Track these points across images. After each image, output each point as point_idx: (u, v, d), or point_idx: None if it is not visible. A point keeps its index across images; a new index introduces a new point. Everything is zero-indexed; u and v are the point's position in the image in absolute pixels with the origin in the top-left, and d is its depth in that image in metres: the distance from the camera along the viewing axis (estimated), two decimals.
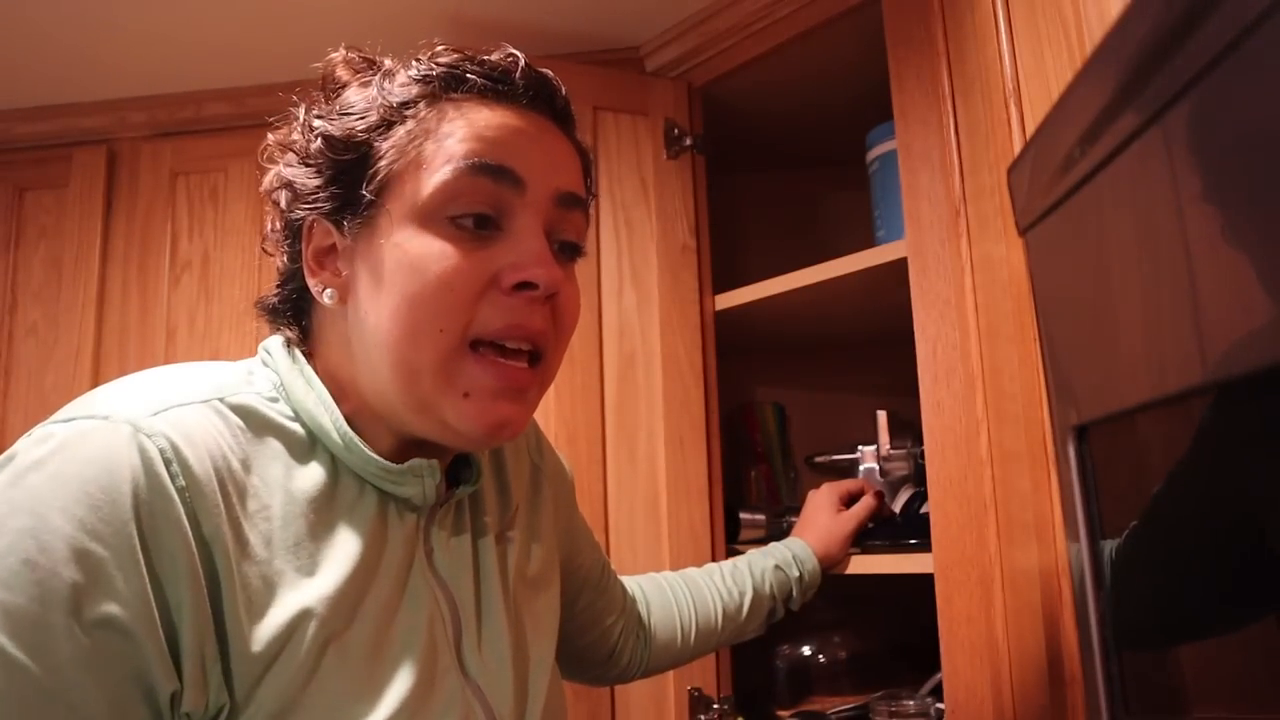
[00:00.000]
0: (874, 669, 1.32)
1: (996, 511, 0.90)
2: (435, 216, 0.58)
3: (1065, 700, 0.81)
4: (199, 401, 0.56)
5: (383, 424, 0.62)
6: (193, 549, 0.51)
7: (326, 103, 0.64)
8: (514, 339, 0.60)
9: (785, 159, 1.65)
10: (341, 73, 0.66)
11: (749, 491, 1.58)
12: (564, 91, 0.66)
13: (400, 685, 0.57)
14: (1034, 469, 0.86)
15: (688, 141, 1.34)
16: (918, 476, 1.32)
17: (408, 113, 0.60)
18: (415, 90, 0.61)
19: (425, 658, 0.59)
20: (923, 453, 1.03)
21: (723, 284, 1.34)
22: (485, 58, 0.62)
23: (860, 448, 1.45)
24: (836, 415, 1.62)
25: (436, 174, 0.58)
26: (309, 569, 0.56)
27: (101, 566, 0.48)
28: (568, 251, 0.66)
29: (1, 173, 1.56)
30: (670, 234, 1.32)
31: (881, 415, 1.33)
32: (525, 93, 0.62)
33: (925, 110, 1.02)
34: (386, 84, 0.62)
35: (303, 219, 0.63)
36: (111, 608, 0.48)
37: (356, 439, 0.60)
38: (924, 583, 0.98)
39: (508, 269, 0.59)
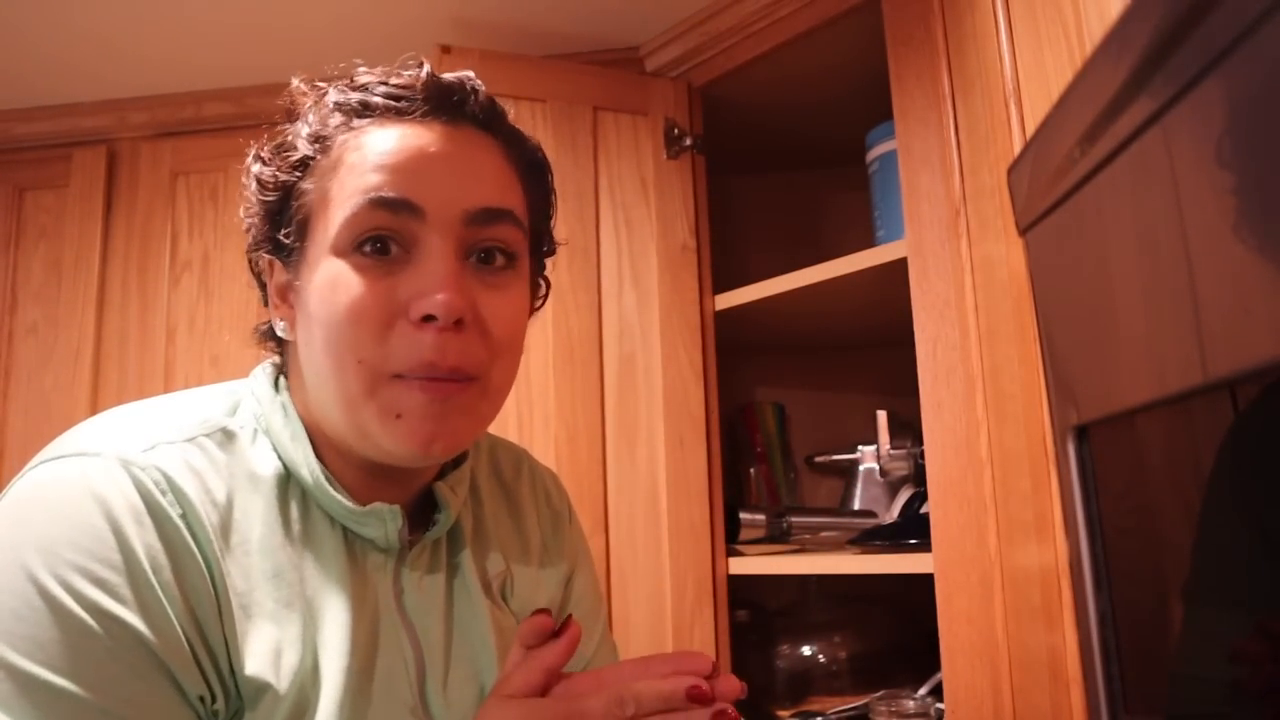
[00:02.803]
0: (874, 669, 1.32)
1: (996, 511, 0.90)
2: (344, 250, 0.58)
3: (1065, 700, 0.81)
4: (183, 440, 0.57)
5: (344, 455, 0.62)
6: (202, 569, 0.53)
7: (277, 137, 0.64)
8: (430, 375, 0.57)
9: (785, 159, 1.65)
10: (298, 102, 0.65)
11: (749, 491, 1.58)
12: (482, 93, 0.63)
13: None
14: (1034, 469, 0.86)
15: (688, 141, 1.34)
16: (918, 476, 1.32)
17: (321, 147, 0.60)
18: (332, 121, 0.60)
19: (389, 701, 0.60)
20: (923, 453, 1.03)
21: (723, 284, 1.34)
22: (391, 79, 0.61)
23: (860, 448, 1.46)
24: (836, 415, 1.62)
25: (340, 210, 0.58)
26: (286, 603, 0.57)
27: (116, 589, 0.49)
28: (491, 260, 0.61)
29: (1, 173, 1.55)
30: (670, 234, 1.32)
31: (881, 415, 1.33)
32: (427, 105, 0.60)
33: (925, 110, 1.02)
34: (311, 117, 0.61)
35: (258, 259, 0.64)
36: (134, 622, 0.49)
37: (324, 478, 0.60)
38: (924, 583, 0.98)
39: (413, 299, 0.57)
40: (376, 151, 0.58)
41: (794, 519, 1.33)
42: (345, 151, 0.59)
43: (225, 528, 0.56)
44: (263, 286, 0.66)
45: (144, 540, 0.51)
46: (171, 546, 0.52)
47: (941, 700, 0.98)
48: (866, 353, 1.57)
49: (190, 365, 1.44)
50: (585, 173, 1.31)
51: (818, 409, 1.64)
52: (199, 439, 0.58)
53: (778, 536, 1.32)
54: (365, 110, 0.60)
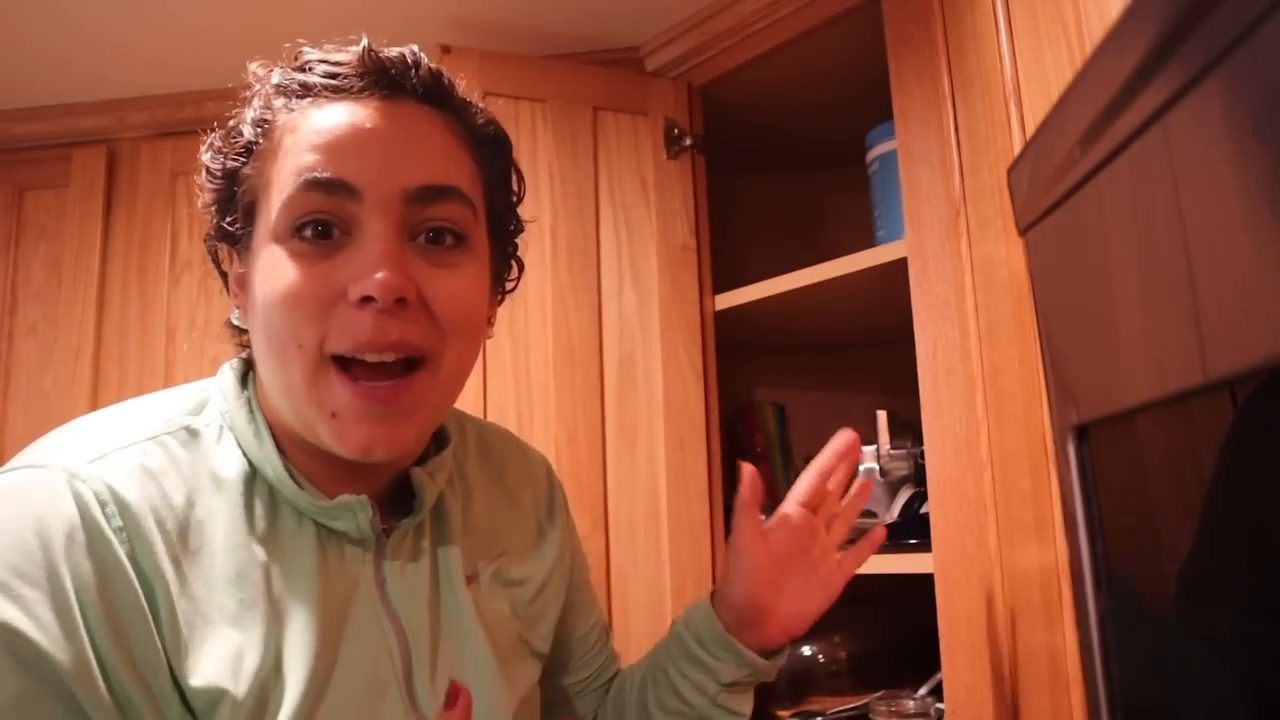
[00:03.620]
0: (874, 669, 1.32)
1: (996, 511, 0.90)
2: (284, 234, 0.56)
3: (1065, 700, 0.81)
4: (143, 439, 0.56)
5: (308, 447, 0.60)
6: (135, 586, 0.51)
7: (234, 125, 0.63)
8: (369, 354, 0.56)
9: (785, 159, 1.65)
10: (251, 86, 0.63)
11: None
12: (425, 66, 0.61)
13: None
14: (1034, 469, 0.86)
15: (688, 141, 1.34)
16: (918, 476, 1.32)
17: (262, 130, 0.58)
18: (274, 104, 0.59)
19: (368, 695, 0.59)
20: (923, 453, 1.03)
21: (723, 284, 1.34)
22: (331, 55, 0.60)
23: (860, 448, 1.45)
24: (836, 415, 1.62)
25: (279, 194, 0.56)
26: (246, 605, 0.55)
27: (33, 607, 0.48)
28: (440, 240, 0.59)
29: (1, 173, 1.56)
30: (670, 234, 1.32)
31: (881, 415, 1.33)
32: (366, 82, 0.58)
33: (925, 110, 1.02)
34: (256, 102, 0.60)
35: (214, 247, 0.64)
36: (44, 645, 0.48)
37: (287, 474, 0.59)
38: (924, 583, 0.98)
39: (351, 281, 0.55)
40: (313, 131, 0.56)
41: None
42: (285, 134, 0.57)
43: (184, 531, 0.55)
44: (224, 276, 0.65)
45: (72, 559, 0.50)
46: (102, 565, 0.50)
47: (941, 700, 0.98)
48: (866, 353, 1.57)
49: (190, 365, 1.45)
50: (585, 173, 1.31)
51: (818, 409, 1.64)
52: (161, 437, 0.57)
53: None
54: (304, 90, 0.58)
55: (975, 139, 0.95)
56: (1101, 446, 0.51)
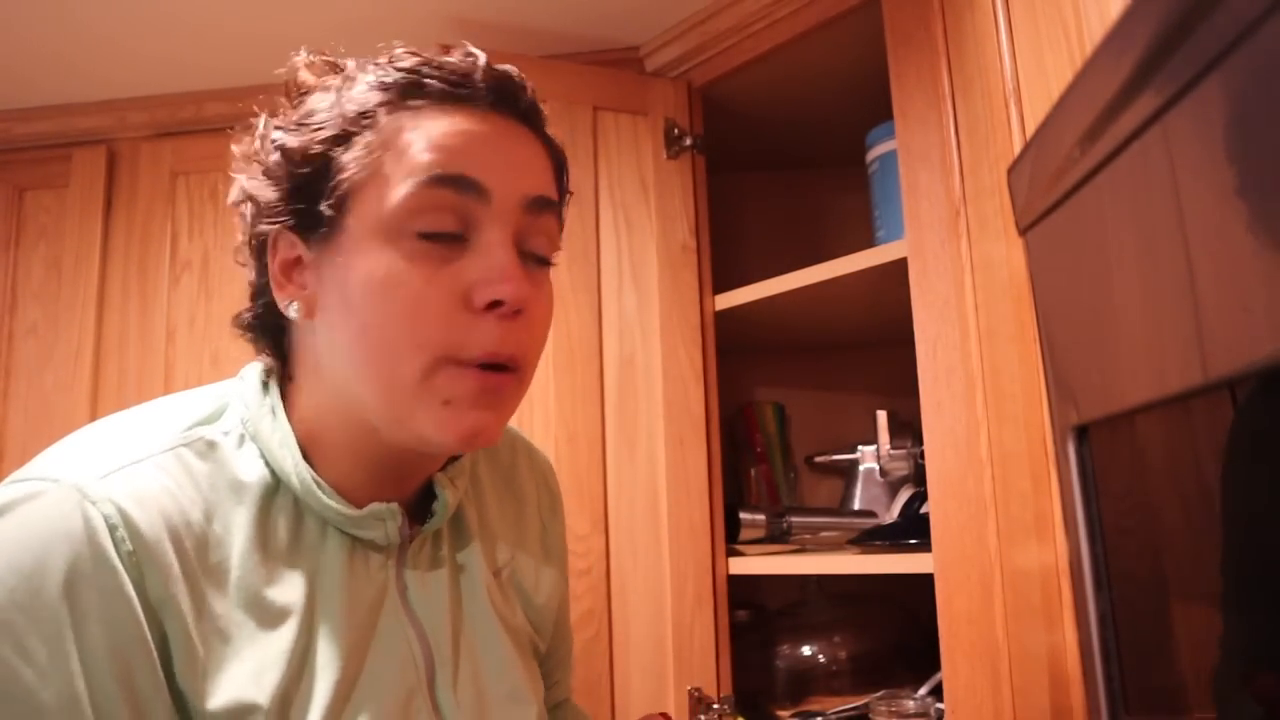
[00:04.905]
0: (874, 669, 1.32)
1: (996, 511, 0.90)
2: (400, 232, 0.56)
3: (1065, 700, 0.81)
4: (160, 452, 0.55)
5: (351, 453, 0.60)
6: (139, 616, 0.50)
7: (291, 110, 0.61)
8: (490, 362, 0.57)
9: (785, 159, 1.65)
10: (305, 77, 0.62)
11: (749, 491, 1.58)
12: (530, 88, 0.62)
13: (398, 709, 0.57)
14: (1034, 469, 0.86)
15: (688, 141, 1.34)
16: (918, 476, 1.32)
17: (366, 123, 0.57)
18: (374, 98, 0.57)
19: (393, 702, 0.58)
20: (923, 453, 1.03)
21: (723, 284, 1.34)
22: (443, 60, 0.59)
23: (860, 448, 1.45)
24: (836, 415, 1.62)
25: (398, 188, 0.55)
26: (270, 619, 0.55)
27: (22, 637, 0.47)
28: (536, 262, 0.61)
29: (1, 173, 1.55)
30: (670, 234, 1.32)
31: (881, 415, 1.33)
32: (486, 95, 0.59)
33: (925, 110, 1.02)
34: (346, 92, 0.58)
35: (267, 232, 0.60)
36: (31, 680, 0.47)
37: (314, 484, 0.58)
38: (924, 583, 0.98)
39: (478, 285, 0.56)
40: (440, 132, 0.56)
41: (794, 519, 1.33)
42: (399, 131, 0.56)
43: (202, 549, 0.54)
44: (260, 263, 0.61)
45: (72, 590, 0.48)
46: (105, 596, 0.49)
47: (941, 700, 0.98)
48: (866, 353, 1.57)
49: (190, 365, 1.44)
50: (585, 173, 1.31)
51: (818, 409, 1.64)
52: (178, 449, 0.56)
53: (778, 536, 1.32)
54: (419, 91, 0.58)
55: (975, 139, 0.95)
56: (1101, 446, 0.51)
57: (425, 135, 0.56)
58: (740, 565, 1.27)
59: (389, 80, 0.58)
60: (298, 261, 0.59)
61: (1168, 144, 0.37)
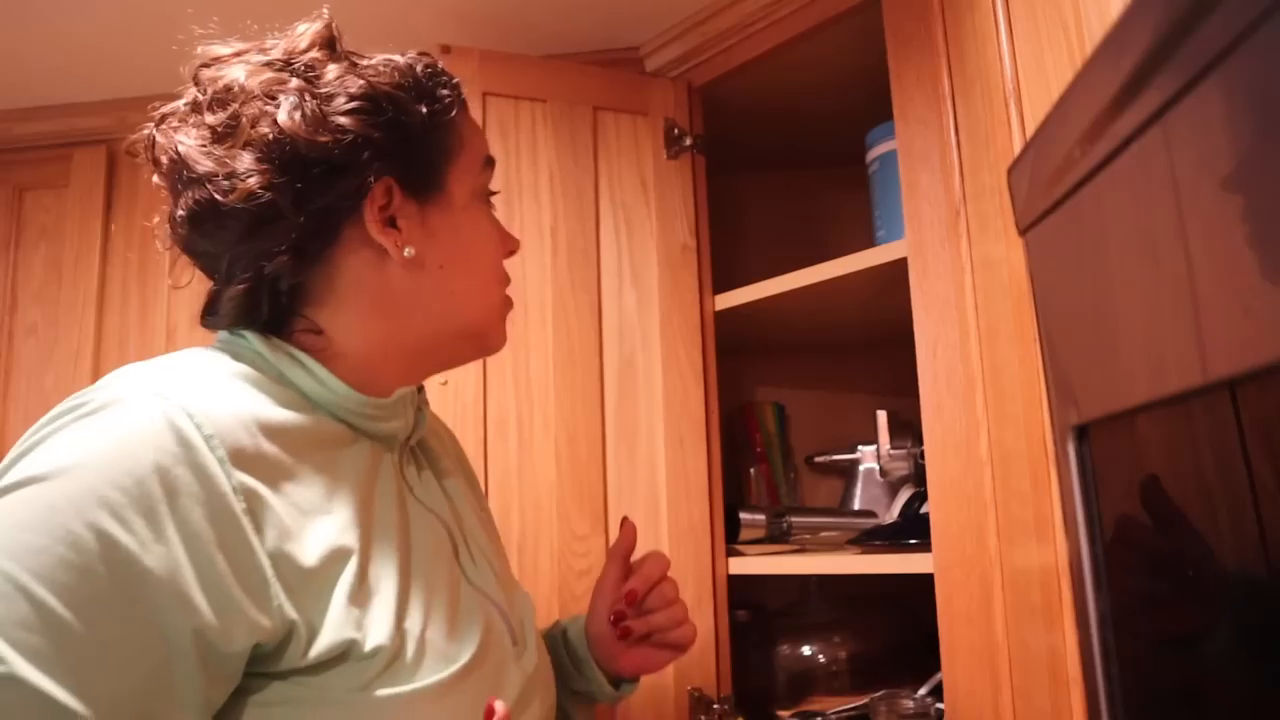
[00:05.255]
0: (874, 669, 1.32)
1: (996, 511, 0.90)
2: (481, 195, 0.75)
3: (1065, 700, 0.81)
4: (207, 368, 0.61)
5: (370, 377, 0.69)
6: (227, 491, 0.54)
7: (346, 63, 0.70)
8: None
9: (785, 159, 1.65)
10: (331, 33, 0.73)
11: (749, 491, 1.59)
12: None
13: (434, 596, 0.64)
14: (1034, 469, 0.86)
15: (688, 141, 1.34)
16: (918, 476, 1.32)
17: (441, 108, 0.71)
18: (440, 94, 0.71)
19: (443, 572, 0.67)
20: (923, 453, 1.03)
21: (723, 284, 1.34)
22: (451, 75, 0.75)
23: (860, 448, 1.46)
24: (836, 415, 1.62)
25: (475, 164, 0.74)
26: (326, 503, 0.61)
27: (120, 510, 0.50)
28: None
29: (1, 173, 1.55)
30: (670, 234, 1.32)
31: (881, 415, 1.33)
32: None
33: (925, 110, 1.02)
34: (413, 62, 0.71)
35: (366, 176, 0.65)
36: (133, 547, 0.50)
37: (347, 388, 0.66)
38: (924, 583, 0.98)
39: (506, 237, 0.78)
40: (475, 131, 0.76)
41: (794, 519, 1.33)
42: (459, 123, 0.73)
43: (257, 441, 0.58)
44: (325, 208, 0.65)
45: (164, 469, 0.52)
46: (195, 472, 0.53)
47: (941, 700, 0.98)
48: (866, 353, 1.57)
49: None
50: (585, 173, 1.31)
51: (818, 409, 1.64)
52: (219, 370, 0.62)
53: (778, 536, 1.32)
54: (459, 91, 0.74)
55: (975, 139, 0.95)
56: (1101, 446, 0.51)
57: (474, 129, 0.76)
58: (740, 565, 1.27)
59: (443, 76, 0.73)
60: (410, 210, 0.69)
61: (1168, 144, 0.37)
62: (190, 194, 0.66)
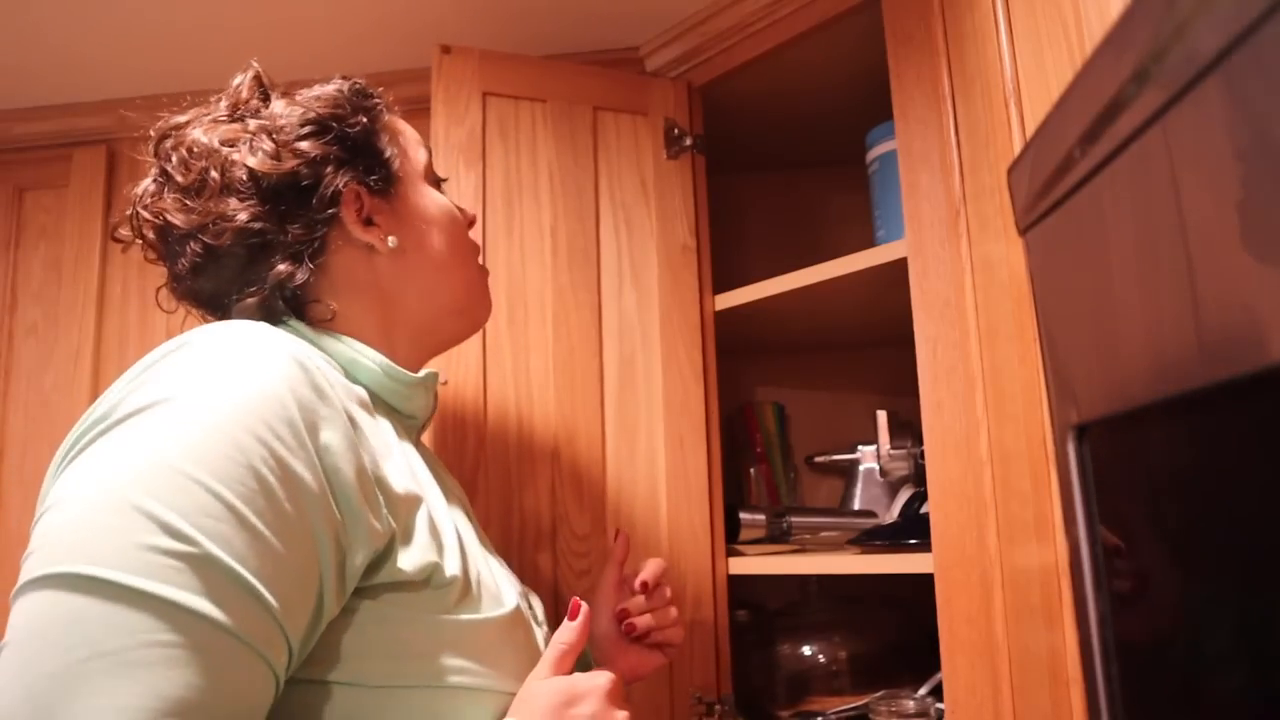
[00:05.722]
0: (874, 669, 1.32)
1: (996, 511, 0.90)
2: (428, 176, 0.84)
3: (1065, 700, 0.81)
4: (277, 331, 0.66)
5: (391, 355, 0.76)
6: (346, 421, 0.61)
7: (283, 100, 0.80)
8: None
9: (785, 159, 1.65)
10: (265, 83, 0.84)
11: (749, 491, 1.59)
12: None
13: (477, 551, 0.72)
14: (1034, 469, 0.86)
15: (688, 141, 1.34)
16: (918, 476, 1.32)
17: (374, 106, 0.82)
18: (374, 103, 0.82)
19: (475, 535, 0.75)
20: (923, 453, 1.03)
21: (723, 284, 1.34)
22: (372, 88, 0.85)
23: (860, 448, 1.46)
24: (836, 415, 1.62)
25: (414, 152, 0.83)
26: (390, 454, 0.66)
27: (278, 430, 0.56)
28: None
29: (1, 173, 1.55)
30: (670, 234, 1.32)
31: (881, 415, 1.33)
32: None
33: (925, 110, 1.02)
34: (345, 87, 0.81)
35: (337, 187, 0.75)
36: (289, 460, 0.55)
37: (384, 358, 0.74)
38: (924, 583, 0.98)
39: (461, 212, 0.86)
40: (407, 127, 0.86)
41: (794, 519, 1.33)
42: (391, 123, 0.84)
43: (353, 409, 0.65)
44: (309, 221, 0.74)
45: (299, 395, 0.58)
46: (323, 397, 0.60)
47: (941, 700, 0.98)
48: (866, 353, 1.57)
49: None
50: (585, 173, 1.31)
51: (818, 409, 1.64)
52: (291, 339, 0.66)
53: (778, 536, 1.32)
54: (384, 105, 0.84)
55: (975, 139, 0.95)
56: (1101, 446, 0.51)
57: (404, 126, 0.86)
58: (740, 565, 1.27)
59: (367, 91, 0.83)
60: (380, 208, 0.78)
61: (1168, 144, 0.37)
62: (186, 249, 0.75)
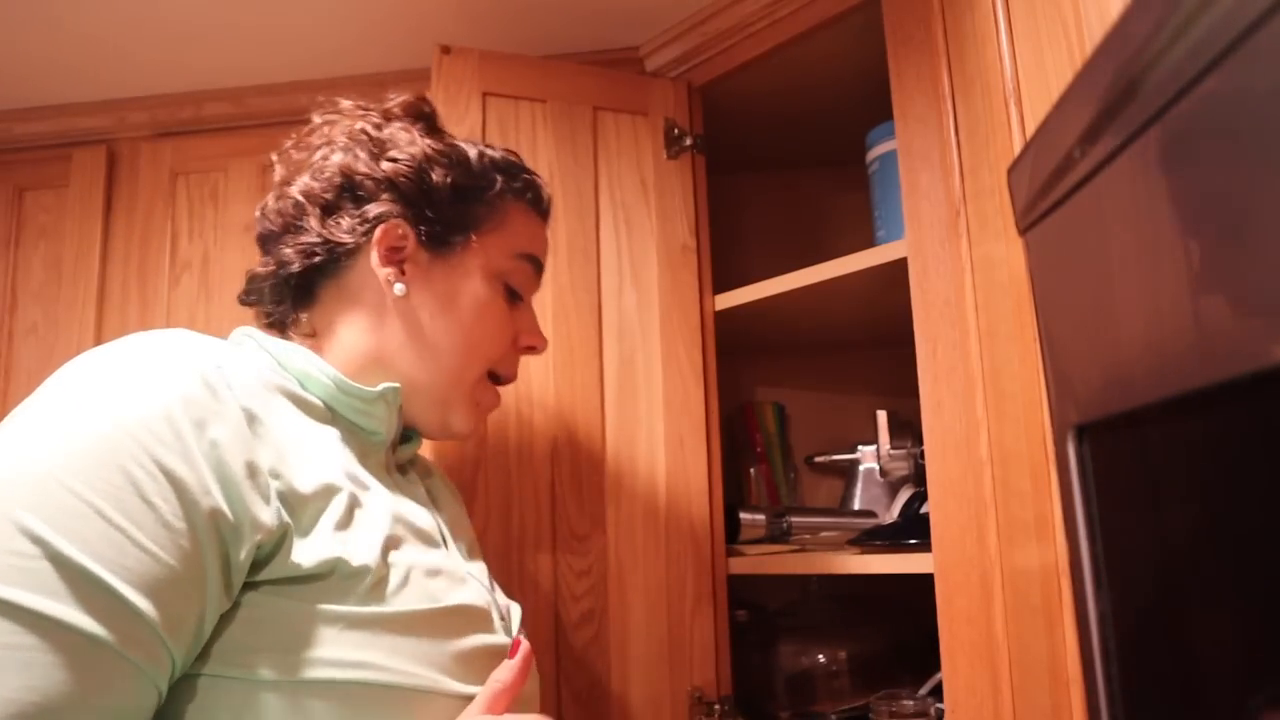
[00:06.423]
0: (874, 669, 1.32)
1: (996, 511, 0.90)
2: (499, 276, 0.81)
3: (1065, 700, 0.81)
4: (215, 343, 0.68)
5: (360, 379, 0.75)
6: (241, 418, 0.61)
7: (412, 126, 0.81)
8: (507, 382, 0.86)
9: (785, 159, 1.65)
10: (424, 108, 0.84)
11: (749, 491, 1.59)
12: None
13: (419, 546, 0.69)
14: (1034, 469, 0.86)
15: (688, 141, 1.34)
16: (918, 476, 1.32)
17: (494, 185, 0.81)
18: (498, 175, 0.82)
19: (428, 537, 0.72)
20: (923, 453, 1.03)
21: (723, 284, 1.34)
22: (539, 178, 0.88)
23: (860, 448, 1.46)
24: (836, 415, 1.62)
25: (507, 249, 0.82)
26: (317, 453, 0.66)
27: (159, 431, 0.56)
28: None
29: (1, 173, 1.55)
30: (670, 234, 1.32)
31: (881, 415, 1.33)
32: (549, 214, 0.90)
33: (925, 110, 1.02)
34: (479, 153, 0.82)
35: (384, 214, 0.76)
36: (169, 460, 0.55)
37: (337, 375, 0.72)
38: (924, 583, 0.98)
39: (524, 333, 0.85)
40: (531, 228, 0.86)
41: (794, 519, 1.33)
42: (515, 211, 0.84)
43: (265, 401, 0.65)
44: (349, 229, 0.76)
45: (193, 402, 0.58)
46: (221, 405, 0.60)
47: (941, 700, 0.98)
48: (866, 353, 1.57)
49: None
50: (585, 173, 1.31)
51: (818, 409, 1.64)
52: (229, 349, 0.68)
53: (778, 536, 1.32)
54: (527, 189, 0.86)
55: (975, 139, 0.95)
56: (1101, 446, 0.51)
57: (527, 224, 0.85)
58: (740, 565, 1.27)
59: (515, 171, 0.85)
60: (401, 249, 0.77)
61: (1167, 144, 0.37)
62: (264, 207, 0.80)
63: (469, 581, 0.72)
